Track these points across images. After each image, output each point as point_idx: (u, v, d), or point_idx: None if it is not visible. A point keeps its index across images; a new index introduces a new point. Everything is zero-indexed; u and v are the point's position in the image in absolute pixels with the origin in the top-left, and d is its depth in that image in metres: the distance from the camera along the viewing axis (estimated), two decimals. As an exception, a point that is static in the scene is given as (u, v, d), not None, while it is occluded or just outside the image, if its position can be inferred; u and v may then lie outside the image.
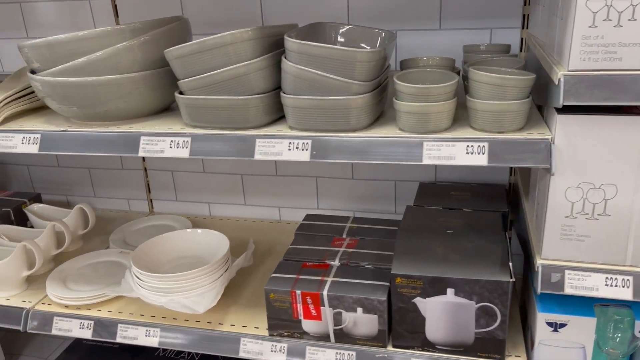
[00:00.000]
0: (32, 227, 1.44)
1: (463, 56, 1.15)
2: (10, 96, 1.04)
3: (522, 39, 1.19)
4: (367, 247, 1.12)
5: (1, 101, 1.02)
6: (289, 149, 0.87)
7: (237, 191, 1.53)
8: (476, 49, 1.12)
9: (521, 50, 1.20)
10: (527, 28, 1.18)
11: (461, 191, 1.23)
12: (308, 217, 1.28)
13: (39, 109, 1.13)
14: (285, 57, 0.86)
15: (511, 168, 1.29)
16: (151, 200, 1.62)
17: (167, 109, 1.08)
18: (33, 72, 1.00)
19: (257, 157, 0.88)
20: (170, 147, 0.92)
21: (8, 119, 1.05)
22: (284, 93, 0.88)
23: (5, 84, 1.11)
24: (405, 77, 0.87)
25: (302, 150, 0.87)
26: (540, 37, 0.98)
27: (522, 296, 1.13)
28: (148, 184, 1.59)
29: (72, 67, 0.92)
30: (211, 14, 1.34)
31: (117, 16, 1.41)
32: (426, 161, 0.82)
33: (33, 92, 1.09)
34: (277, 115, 0.93)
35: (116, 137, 0.94)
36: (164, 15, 1.37)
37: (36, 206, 1.45)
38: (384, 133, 0.85)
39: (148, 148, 0.93)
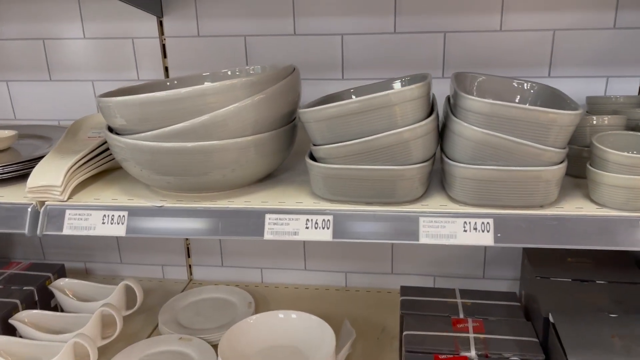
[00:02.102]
0: (60, 308, 1.20)
1: (587, 108, 1.04)
2: (78, 161, 0.83)
3: (640, 88, 1.09)
4: (499, 331, 0.95)
5: (68, 169, 0.80)
6: (465, 230, 0.71)
7: (296, 254, 1.34)
8: (605, 101, 1.00)
9: (638, 100, 1.10)
10: (646, 77, 1.08)
11: (579, 257, 1.10)
12: (405, 290, 1.11)
13: (103, 173, 0.92)
14: (463, 120, 0.70)
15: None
16: (190, 266, 1.40)
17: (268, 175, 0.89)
18: (110, 129, 0.80)
19: (422, 240, 0.71)
20: (307, 228, 0.74)
21: (73, 191, 0.83)
22: (453, 161, 0.72)
23: (62, 145, 0.89)
24: (607, 141, 0.73)
25: (482, 231, 0.71)
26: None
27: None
28: (188, 248, 1.37)
29: (173, 131, 0.72)
30: (267, 55, 1.17)
31: (165, 57, 1.22)
32: (647, 246, 0.67)
33: (99, 154, 0.88)
34: (427, 185, 0.77)
35: (232, 214, 0.75)
36: (222, 56, 1.19)
37: (62, 281, 1.21)
38: (576, 209, 0.71)
39: (276, 229, 0.74)
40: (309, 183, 0.84)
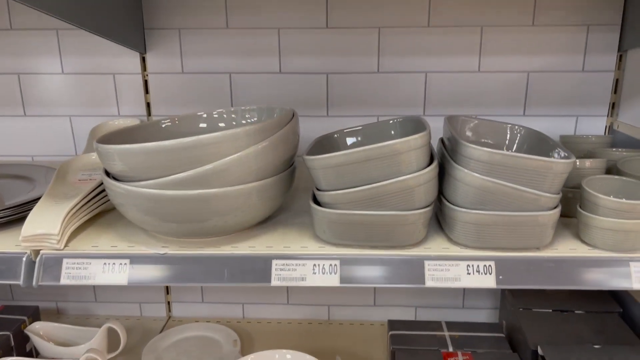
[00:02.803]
0: (35, 353, 1.14)
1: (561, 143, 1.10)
2: (74, 207, 0.81)
3: (606, 126, 1.16)
4: (488, 363, 0.99)
5: (65, 216, 0.78)
6: (468, 273, 0.74)
7: (278, 289, 1.34)
8: (578, 140, 1.07)
9: (605, 138, 1.17)
10: (612, 116, 1.15)
11: (556, 287, 1.15)
12: (393, 324, 1.13)
13: (96, 215, 0.90)
14: (464, 166, 0.73)
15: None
16: (169, 303, 1.37)
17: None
18: (107, 174, 0.79)
19: (428, 283, 0.74)
20: (314, 273, 0.74)
21: (69, 237, 0.81)
22: (454, 205, 0.75)
23: (54, 190, 0.87)
24: (596, 185, 0.78)
25: (485, 274, 0.74)
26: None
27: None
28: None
29: (176, 180, 0.72)
30: (254, 93, 1.19)
31: (147, 92, 1.21)
32: (637, 285, 0.72)
33: (93, 197, 0.86)
34: (428, 227, 0.80)
35: (239, 260, 0.75)
36: (206, 93, 1.19)
37: (38, 325, 1.16)
38: (570, 250, 0.75)
39: (284, 275, 0.74)
40: (308, 224, 0.86)
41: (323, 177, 0.74)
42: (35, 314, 1.21)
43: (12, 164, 1.12)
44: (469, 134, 0.93)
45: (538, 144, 0.88)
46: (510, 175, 0.72)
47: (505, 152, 0.71)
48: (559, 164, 0.71)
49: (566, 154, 0.75)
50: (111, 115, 1.22)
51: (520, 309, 1.06)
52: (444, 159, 0.81)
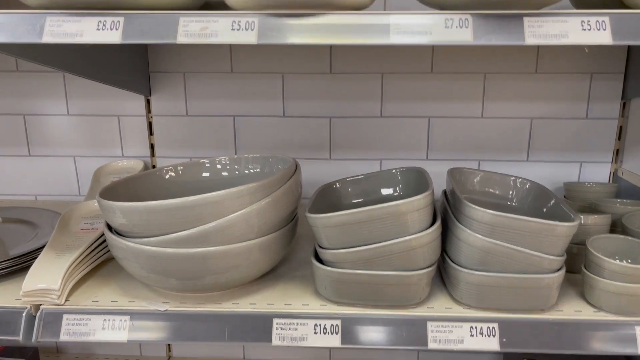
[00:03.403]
0: (33, 396, 1.13)
1: (565, 192, 1.10)
2: (75, 260, 0.80)
3: (610, 173, 1.16)
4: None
5: (66, 270, 0.78)
6: (471, 335, 0.73)
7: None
8: (581, 189, 1.06)
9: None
10: (616, 163, 1.15)
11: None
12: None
13: (98, 266, 0.89)
14: (467, 227, 0.73)
15: None
16: (169, 343, 1.36)
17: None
18: (109, 227, 0.79)
19: (431, 345, 0.73)
20: (315, 333, 0.74)
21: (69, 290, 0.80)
22: (458, 266, 0.75)
23: (55, 240, 0.86)
24: (601, 245, 0.77)
25: (488, 336, 0.73)
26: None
27: None
28: (168, 324, 1.34)
29: (179, 237, 0.72)
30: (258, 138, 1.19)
31: (152, 134, 1.21)
32: (643, 350, 0.71)
33: (95, 248, 0.86)
34: (431, 286, 0.79)
35: (240, 319, 0.74)
36: (210, 135, 1.19)
37: (37, 367, 1.15)
38: (575, 312, 0.74)
39: (284, 334, 0.74)
40: (310, 278, 0.85)
41: (325, 236, 0.74)
42: (34, 356, 1.20)
43: (16, 207, 1.12)
44: (472, 186, 0.93)
45: (542, 198, 0.87)
46: (513, 236, 0.71)
47: (508, 214, 0.71)
48: (562, 227, 0.70)
49: (571, 214, 0.74)
50: (115, 156, 1.23)
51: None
52: (447, 215, 0.81)
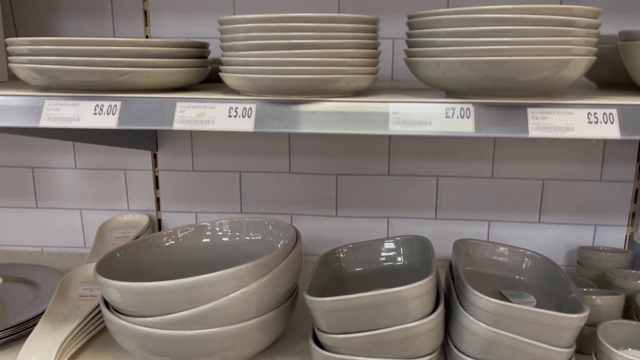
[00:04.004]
0: None
1: (578, 258, 1.06)
2: (71, 333, 0.79)
3: (626, 236, 1.12)
4: None
5: (61, 345, 0.77)
6: None
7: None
8: (595, 257, 1.03)
9: (624, 248, 1.12)
10: (632, 226, 1.11)
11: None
12: None
13: (95, 335, 0.88)
14: (471, 313, 0.70)
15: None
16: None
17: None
18: (107, 304, 0.78)
19: None
20: (312, 422, 0.71)
21: (63, 365, 0.79)
22: (462, 353, 0.72)
23: (53, 309, 0.85)
24: (612, 333, 0.74)
25: None
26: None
27: None
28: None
29: (175, 319, 0.70)
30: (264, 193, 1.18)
31: (157, 188, 1.21)
32: None
33: (93, 317, 0.85)
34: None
35: (234, 405, 0.72)
36: (216, 190, 1.19)
37: None
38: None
39: (280, 422, 0.71)
40: (309, 355, 0.82)
41: (323, 320, 0.72)
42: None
43: (19, 263, 1.12)
44: (480, 257, 0.90)
45: (551, 274, 0.85)
46: (519, 326, 0.68)
47: (513, 305, 0.68)
48: (570, 320, 0.67)
49: (580, 301, 0.71)
50: (121, 210, 1.22)
51: None
52: (450, 294, 0.78)
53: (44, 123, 0.64)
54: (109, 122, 0.64)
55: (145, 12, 1.12)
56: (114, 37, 1.13)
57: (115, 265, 0.81)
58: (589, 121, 0.59)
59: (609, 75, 0.81)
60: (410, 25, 0.66)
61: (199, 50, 0.73)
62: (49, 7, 1.13)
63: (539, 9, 0.57)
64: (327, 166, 1.16)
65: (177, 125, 0.63)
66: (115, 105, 0.64)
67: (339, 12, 1.07)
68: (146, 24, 1.12)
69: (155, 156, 1.19)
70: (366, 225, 1.18)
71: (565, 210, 1.12)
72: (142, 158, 1.19)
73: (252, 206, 1.19)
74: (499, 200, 1.13)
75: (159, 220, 1.23)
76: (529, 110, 0.60)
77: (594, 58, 0.62)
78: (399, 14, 1.05)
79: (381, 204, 1.16)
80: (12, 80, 0.94)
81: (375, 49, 0.67)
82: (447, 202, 1.15)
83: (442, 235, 1.16)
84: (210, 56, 0.80)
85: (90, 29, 1.13)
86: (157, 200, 1.22)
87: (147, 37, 1.13)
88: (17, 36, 1.14)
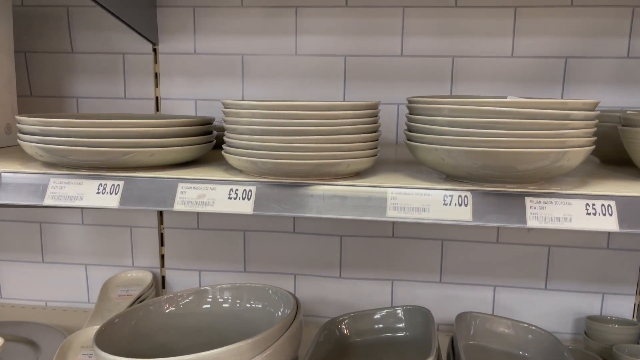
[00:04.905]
0: None
1: (585, 328, 1.04)
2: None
3: (635, 305, 1.10)
4: None
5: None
6: None
7: None
8: (604, 329, 1.01)
9: (632, 318, 1.10)
10: (640, 295, 1.10)
11: None
12: None
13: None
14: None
15: None
16: None
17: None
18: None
19: None
20: None
21: None
22: None
23: None
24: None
25: None
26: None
27: None
28: None
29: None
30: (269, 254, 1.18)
31: (162, 245, 1.22)
32: None
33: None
34: None
35: None
36: (220, 247, 1.19)
37: None
38: None
39: None
40: None
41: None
42: None
43: (22, 322, 1.12)
44: (483, 330, 0.89)
45: (555, 352, 0.83)
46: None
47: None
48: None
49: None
50: (125, 266, 1.23)
51: None
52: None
53: (48, 201, 0.65)
54: (112, 201, 0.65)
55: (155, 74, 1.15)
56: (125, 97, 1.16)
57: (114, 332, 0.81)
58: (587, 212, 0.59)
59: (612, 152, 0.81)
60: (411, 109, 0.67)
61: (205, 127, 0.75)
62: (63, 67, 1.17)
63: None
64: (331, 227, 1.16)
65: (178, 207, 0.64)
66: (118, 185, 0.65)
67: (344, 78, 1.09)
68: (156, 85, 1.15)
69: (161, 214, 1.20)
70: (370, 287, 1.17)
71: (572, 278, 1.11)
72: (148, 215, 1.20)
73: (255, 265, 1.19)
74: (504, 265, 1.12)
75: (163, 277, 1.23)
76: (527, 199, 0.60)
77: (592, 147, 0.62)
78: (405, 80, 1.07)
79: (385, 267, 1.16)
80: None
81: (375, 132, 0.68)
82: (452, 266, 1.14)
83: (447, 299, 1.15)
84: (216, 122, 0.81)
85: (102, 88, 1.16)
86: (162, 257, 1.22)
87: (157, 98, 1.16)
88: (31, 95, 1.18)
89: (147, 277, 1.20)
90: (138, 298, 1.11)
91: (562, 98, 1.05)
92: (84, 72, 1.16)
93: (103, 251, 1.23)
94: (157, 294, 1.21)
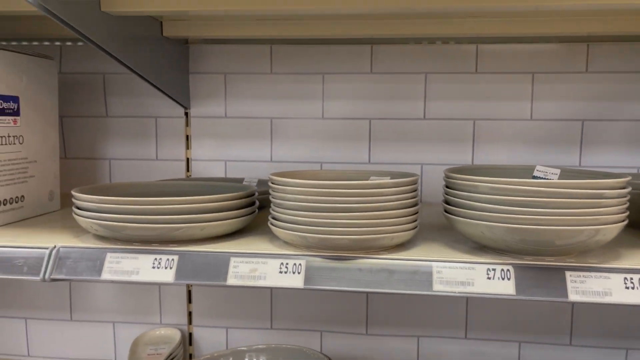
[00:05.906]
0: None
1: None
2: None
3: (659, 358, 1.12)
4: None
5: None
6: None
7: None
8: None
9: (658, 372, 1.11)
10: (665, 350, 1.11)
11: None
12: None
13: None
14: None
15: None
16: None
17: None
18: None
19: None
20: None
21: None
22: None
23: None
24: None
25: None
26: None
27: None
28: None
29: None
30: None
31: (190, 302, 1.23)
32: None
33: None
34: None
35: None
36: (246, 306, 1.21)
37: None
38: None
39: None
40: None
41: None
42: None
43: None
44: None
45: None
46: None
47: None
48: None
49: None
50: (153, 324, 1.24)
51: None
52: None
53: (106, 276, 0.68)
54: (167, 276, 0.67)
55: (187, 136, 1.19)
56: (157, 158, 1.20)
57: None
58: (626, 286, 0.62)
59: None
60: (448, 184, 0.71)
61: (249, 199, 0.78)
62: (97, 131, 1.21)
63: (570, 184, 0.61)
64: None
65: (231, 281, 0.67)
66: (173, 259, 0.68)
67: (369, 140, 1.13)
68: (187, 147, 1.19)
69: (189, 271, 1.23)
70: (396, 343, 1.18)
71: (597, 333, 1.12)
72: (177, 273, 1.23)
73: (282, 322, 1.21)
74: (529, 321, 1.14)
75: (190, 335, 1.24)
76: (567, 273, 0.63)
77: (625, 222, 0.65)
78: (428, 142, 1.11)
79: (411, 323, 1.17)
80: (63, 208, 1.00)
81: (416, 205, 0.71)
82: (478, 322, 1.16)
83: (472, 355, 1.16)
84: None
85: (135, 150, 1.20)
86: (189, 314, 1.24)
87: (187, 159, 1.20)
88: (66, 158, 1.22)
89: (176, 334, 1.21)
90: (168, 357, 1.12)
91: (579, 159, 1.09)
92: (118, 135, 1.21)
93: (131, 308, 1.25)
94: (185, 352, 1.22)
